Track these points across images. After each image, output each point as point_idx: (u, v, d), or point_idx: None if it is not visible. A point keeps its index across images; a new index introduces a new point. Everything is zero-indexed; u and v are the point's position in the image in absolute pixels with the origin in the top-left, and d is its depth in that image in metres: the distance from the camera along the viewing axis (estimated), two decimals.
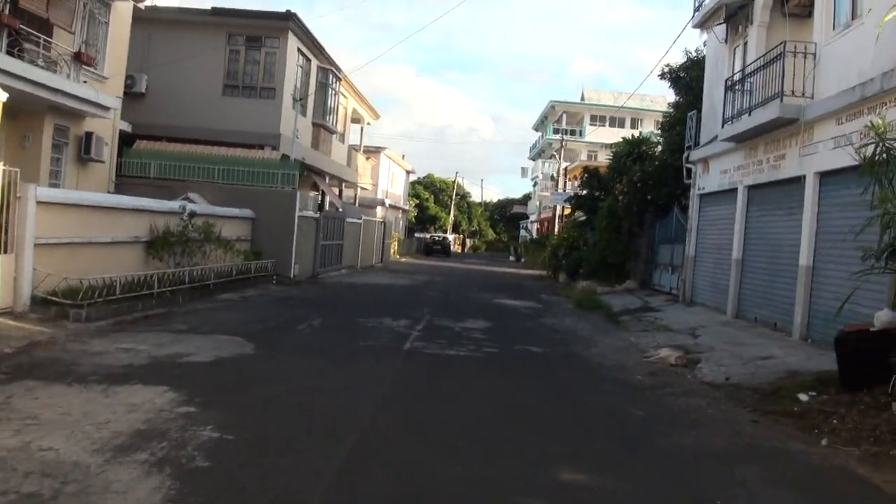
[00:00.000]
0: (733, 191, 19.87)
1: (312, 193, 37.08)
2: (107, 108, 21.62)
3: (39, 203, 13.35)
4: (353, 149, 43.61)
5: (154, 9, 29.89)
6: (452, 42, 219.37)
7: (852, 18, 14.51)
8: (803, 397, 10.27)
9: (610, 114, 70.22)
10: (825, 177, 14.85)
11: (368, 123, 47.60)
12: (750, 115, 17.59)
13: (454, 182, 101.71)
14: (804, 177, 15.44)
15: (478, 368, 11.69)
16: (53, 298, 13.40)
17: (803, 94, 15.62)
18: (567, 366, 12.54)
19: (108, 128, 23.01)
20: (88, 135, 21.66)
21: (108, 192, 22.58)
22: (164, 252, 18.35)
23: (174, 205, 19.45)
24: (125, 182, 24.56)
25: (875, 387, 9.95)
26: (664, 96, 29.62)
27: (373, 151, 57.44)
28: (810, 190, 15.15)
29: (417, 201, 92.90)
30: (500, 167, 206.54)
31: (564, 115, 75.88)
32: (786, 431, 8.77)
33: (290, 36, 29.14)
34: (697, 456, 7.53)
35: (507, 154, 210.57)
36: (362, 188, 47.53)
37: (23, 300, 13.09)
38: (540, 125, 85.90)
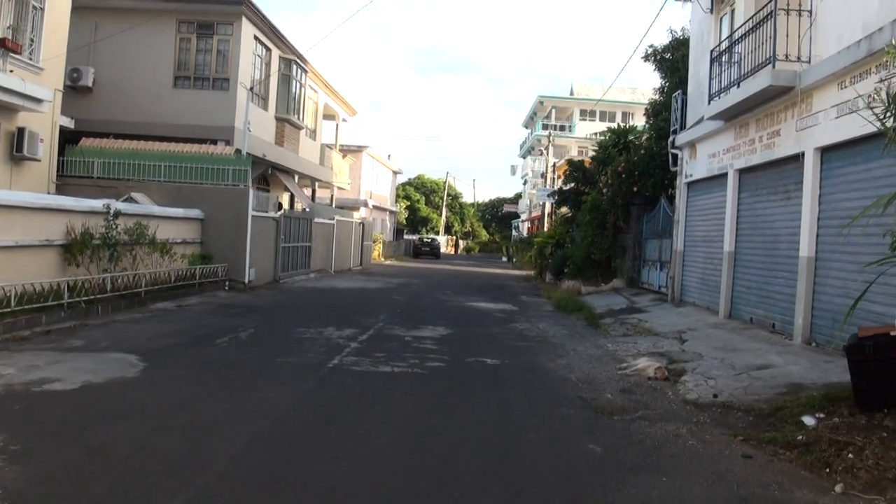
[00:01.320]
0: (723, 176, 17.79)
1: (284, 194, 35.09)
2: (39, 101, 19.82)
3: None
4: (327, 147, 41.47)
5: None
6: (447, 45, 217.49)
7: None
8: (809, 421, 8.20)
9: (600, 108, 68.16)
10: (827, 152, 12.75)
11: (344, 120, 45.48)
12: (738, 87, 15.50)
13: (445, 182, 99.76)
14: (802, 154, 13.35)
15: (408, 391, 9.56)
16: None
17: (798, 59, 13.51)
18: (523, 383, 10.41)
19: (44, 123, 21.07)
20: (21, 130, 19.76)
21: (49, 192, 20.65)
22: (82, 257, 16.29)
23: (96, 203, 17.35)
24: (68, 182, 22.79)
25: None
26: (654, 88, 27.79)
27: (353, 150, 55.40)
28: (810, 169, 13.06)
29: (408, 203, 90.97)
30: (494, 167, 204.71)
31: (553, 111, 73.95)
32: (787, 471, 6.70)
33: (245, 22, 27.08)
34: None
35: (502, 154, 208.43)
36: (339, 188, 45.42)
37: None
38: (529, 122, 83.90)
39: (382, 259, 54.51)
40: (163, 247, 19.14)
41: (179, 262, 20.42)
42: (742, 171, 16.80)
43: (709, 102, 17.43)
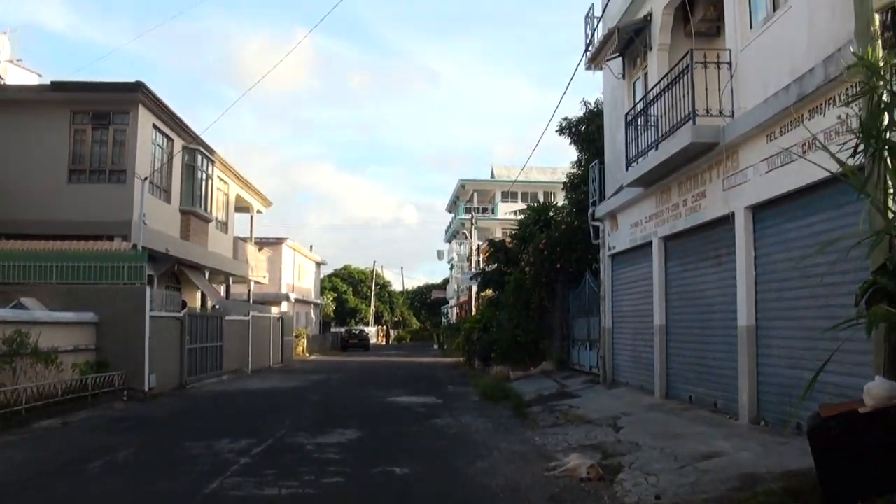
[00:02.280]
0: (647, 245, 16.71)
1: (196, 292, 33.22)
2: None
3: None
4: (240, 240, 39.76)
5: None
6: (371, 137, 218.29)
7: (774, 9, 11.49)
8: None
9: (521, 189, 67.79)
10: (760, 210, 11.67)
11: (259, 212, 43.90)
12: (657, 149, 14.51)
13: (373, 272, 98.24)
14: (732, 215, 12.28)
15: None
16: None
17: (721, 113, 12.52)
18: (435, 498, 8.80)
19: None
20: None
21: None
22: None
23: None
24: None
25: (875, 500, 6.52)
26: (572, 162, 27.05)
27: (272, 243, 53.62)
28: (742, 230, 11.95)
29: (335, 294, 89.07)
30: (422, 255, 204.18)
31: (475, 194, 73.48)
32: None
33: (142, 110, 25.54)
34: None
35: (429, 241, 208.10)
36: (257, 282, 43.56)
37: None
38: (452, 206, 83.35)
39: (307, 354, 52.36)
40: (47, 356, 17.15)
41: (70, 373, 18.40)
42: (667, 239, 15.72)
43: (627, 169, 16.46)
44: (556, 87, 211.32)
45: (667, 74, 14.15)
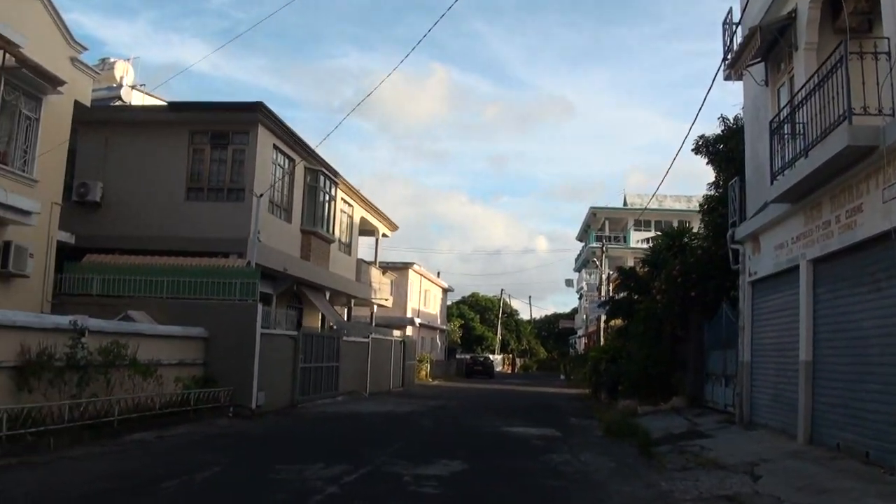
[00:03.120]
0: (794, 269, 14.91)
1: (318, 313, 32.87)
2: (27, 214, 18.46)
3: None
4: (364, 262, 39.30)
5: (109, 108, 26.59)
6: (503, 169, 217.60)
7: None
8: None
9: (654, 217, 65.40)
10: None
11: (385, 235, 43.51)
12: (807, 156, 12.76)
13: (500, 300, 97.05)
14: (893, 231, 10.46)
15: None
16: None
17: (880, 112, 10.79)
18: None
19: (36, 237, 19.37)
20: (7, 244, 18.11)
21: (42, 311, 18.76)
22: (37, 380, 13.89)
23: (61, 320, 15.05)
24: (65, 301, 20.84)
25: None
26: (708, 183, 25.38)
27: (399, 267, 53.33)
28: None
29: (462, 321, 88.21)
30: (551, 285, 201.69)
31: (607, 222, 71.44)
32: None
33: (261, 129, 25.27)
34: None
35: (558, 271, 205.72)
36: (380, 305, 43.07)
37: None
38: (583, 235, 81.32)
39: (430, 379, 51.64)
40: (145, 369, 16.67)
41: (172, 386, 17.93)
42: (817, 262, 13.92)
43: (771, 183, 14.72)
44: (691, 116, 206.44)
45: (816, 72, 12.46)
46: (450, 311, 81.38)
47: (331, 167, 31.35)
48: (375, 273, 41.21)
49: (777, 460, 12.51)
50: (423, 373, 50.60)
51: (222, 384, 19.64)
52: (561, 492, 10.70)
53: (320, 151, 29.12)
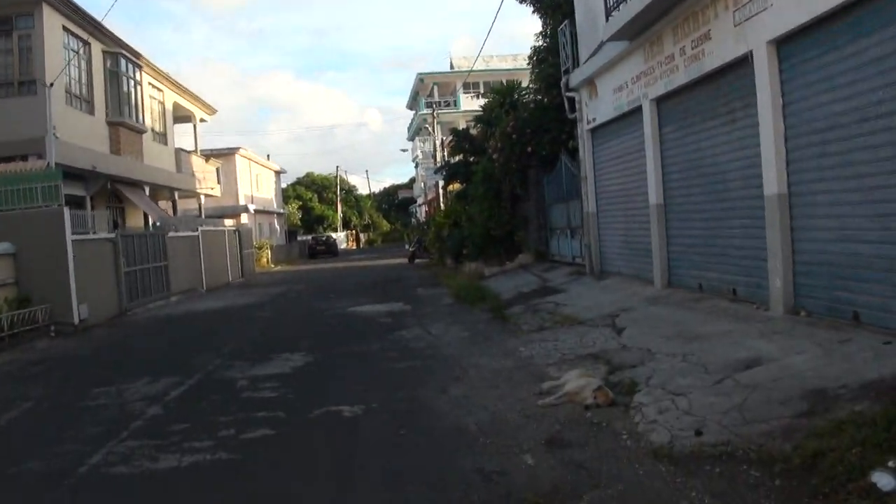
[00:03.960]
0: (636, 111, 14.19)
1: (139, 210, 30.51)
2: None
3: None
4: (183, 152, 36.69)
5: None
6: (326, 42, 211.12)
7: None
8: (886, 483, 4.51)
9: (483, 78, 64.42)
10: (788, 44, 9.08)
11: (203, 120, 40.70)
12: None
13: (336, 177, 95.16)
14: (749, 55, 9.69)
15: None
16: None
17: None
18: (392, 456, 6.45)
19: None
20: None
21: None
22: None
23: None
24: None
25: None
26: (535, 34, 24.31)
27: (224, 154, 50.40)
28: (764, 73, 9.39)
29: (300, 203, 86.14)
30: (387, 157, 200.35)
31: (435, 88, 69.96)
32: None
33: (47, 9, 22.35)
34: None
35: (393, 142, 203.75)
36: (208, 196, 40.65)
37: None
38: (413, 103, 79.79)
39: (272, 266, 49.90)
40: None
41: None
42: (661, 100, 13.17)
43: (606, 20, 13.75)
44: None
45: None
46: (286, 194, 79.19)
47: (132, 49, 28.51)
48: (198, 162, 38.65)
49: (638, 308, 11.96)
50: (265, 260, 48.79)
51: (39, 302, 17.56)
52: (413, 375, 9.69)
53: (125, 36, 26.39)
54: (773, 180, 9.25)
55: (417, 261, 40.83)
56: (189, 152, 37.79)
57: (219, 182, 42.91)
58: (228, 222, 40.17)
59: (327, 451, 6.65)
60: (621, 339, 10.05)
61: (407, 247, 69.44)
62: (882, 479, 4.52)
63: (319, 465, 6.28)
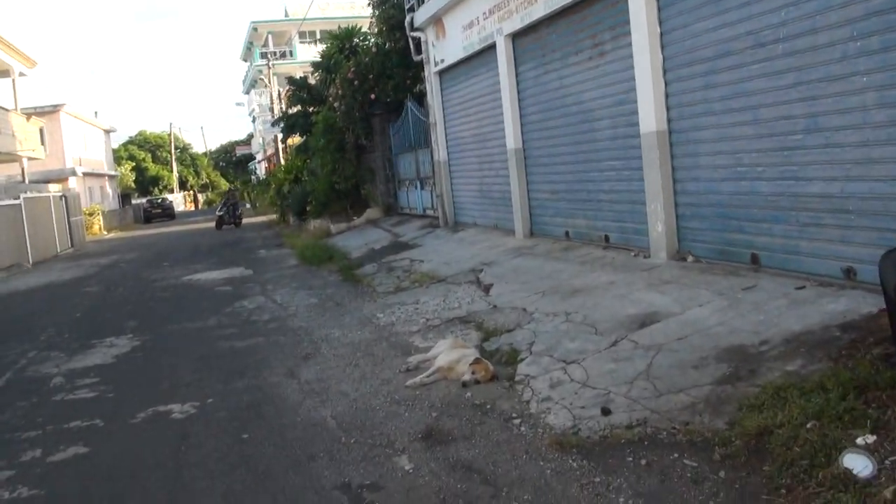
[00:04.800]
0: (489, 49, 13.12)
1: None
2: None
3: None
4: (0, 110, 33.35)
5: None
6: None
7: None
8: (859, 465, 3.63)
9: (320, 26, 62.13)
10: None
11: (22, 74, 37.13)
12: None
13: (171, 135, 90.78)
14: None
15: None
16: None
17: None
18: (227, 474, 5.13)
19: None
20: None
21: None
22: None
23: None
24: None
25: None
26: None
27: (46, 111, 46.44)
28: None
29: (133, 164, 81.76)
30: (222, 112, 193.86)
31: (270, 37, 67.24)
32: None
33: None
34: None
35: (228, 96, 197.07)
36: (30, 158, 37.30)
37: None
38: (247, 54, 76.42)
39: (105, 233, 46.74)
40: None
41: None
42: (517, 36, 12.12)
43: None
44: None
45: None
46: (118, 155, 74.89)
47: None
48: (17, 120, 35.23)
49: (502, 262, 10.98)
50: (97, 227, 45.63)
51: None
52: (257, 354, 8.34)
53: None
54: (650, 117, 8.34)
55: (258, 220, 39.03)
56: (7, 111, 34.40)
57: (43, 144, 39.63)
58: (55, 187, 37.01)
59: (150, 474, 5.23)
60: (490, 297, 9.02)
61: (247, 205, 67.05)
62: (857, 463, 3.62)
63: (138, 497, 4.93)
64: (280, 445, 5.38)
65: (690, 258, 8.14)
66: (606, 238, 10.11)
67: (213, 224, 36.61)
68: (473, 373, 6.08)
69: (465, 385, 6.01)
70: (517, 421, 5.18)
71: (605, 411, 4.95)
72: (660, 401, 4.91)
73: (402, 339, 8.01)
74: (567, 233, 11.22)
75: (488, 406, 5.55)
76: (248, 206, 66.73)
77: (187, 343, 9.51)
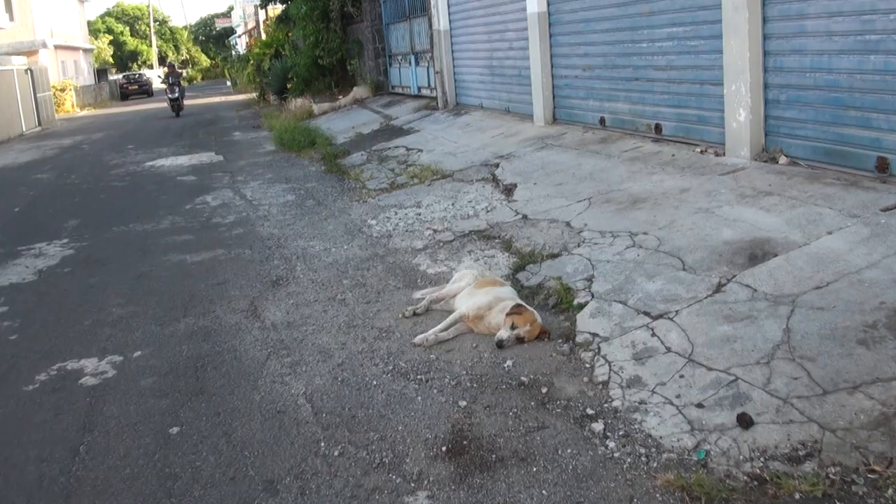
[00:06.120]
0: None
1: None
2: None
3: None
4: None
5: None
6: None
7: None
8: None
9: None
10: None
11: None
12: None
13: (149, 6, 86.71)
14: None
15: None
16: None
17: None
18: (147, 497, 3.23)
19: None
20: None
21: None
22: None
23: None
24: None
25: None
26: None
27: None
28: None
29: (111, 37, 78.20)
30: None
31: None
32: None
33: None
34: None
35: None
36: None
37: None
38: None
39: (78, 110, 44.19)
40: None
41: None
42: None
43: None
44: None
45: None
46: (95, 27, 71.43)
47: None
48: None
49: (522, 154, 8.91)
50: (69, 104, 43.05)
51: None
52: (212, 275, 6.36)
53: None
54: None
55: (237, 98, 36.62)
56: None
57: (9, 12, 36.72)
58: (21, 60, 34.27)
59: (40, 489, 3.35)
60: (515, 203, 7.01)
61: (228, 83, 63.99)
62: None
63: None
64: (222, 457, 3.42)
65: (783, 159, 6.13)
66: (657, 128, 8.03)
67: (189, 102, 34.31)
68: (513, 327, 4.15)
69: (500, 346, 4.11)
70: (597, 426, 3.27)
71: (745, 421, 3.04)
72: (827, 405, 3.01)
73: (403, 259, 6.07)
74: (602, 119, 9.13)
75: (544, 389, 3.64)
76: (228, 83, 63.90)
77: (129, 254, 7.50)
